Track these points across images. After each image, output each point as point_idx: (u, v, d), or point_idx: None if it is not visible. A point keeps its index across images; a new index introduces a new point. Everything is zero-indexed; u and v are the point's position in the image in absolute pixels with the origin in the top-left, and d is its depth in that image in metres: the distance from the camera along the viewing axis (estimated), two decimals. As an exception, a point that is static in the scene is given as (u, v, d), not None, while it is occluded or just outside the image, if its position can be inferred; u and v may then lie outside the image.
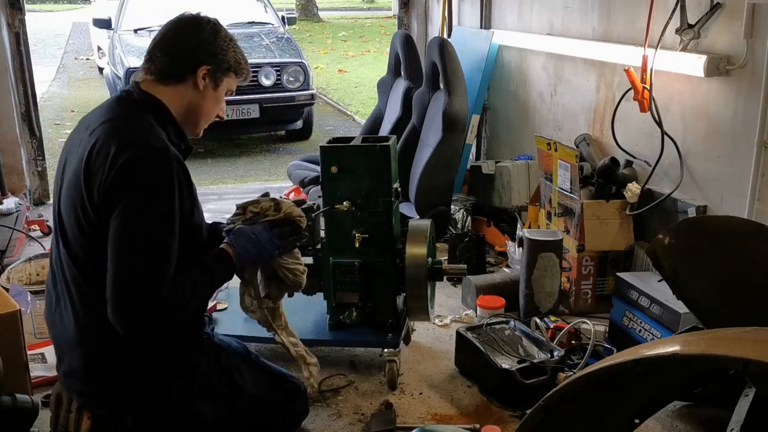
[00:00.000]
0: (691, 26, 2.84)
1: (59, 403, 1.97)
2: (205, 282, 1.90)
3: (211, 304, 2.82)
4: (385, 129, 4.59)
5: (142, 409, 1.92)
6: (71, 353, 1.90)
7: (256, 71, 6.90)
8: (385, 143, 2.64)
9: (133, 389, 1.90)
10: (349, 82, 11.69)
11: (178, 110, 1.95)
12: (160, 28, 1.99)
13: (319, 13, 21.72)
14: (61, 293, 1.90)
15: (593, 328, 2.71)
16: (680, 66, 2.91)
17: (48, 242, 4.01)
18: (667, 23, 2.90)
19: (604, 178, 3.22)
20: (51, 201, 5.03)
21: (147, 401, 1.92)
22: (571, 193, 3.20)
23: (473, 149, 4.78)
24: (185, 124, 1.98)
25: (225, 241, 2.00)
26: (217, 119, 2.07)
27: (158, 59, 1.92)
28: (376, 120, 4.80)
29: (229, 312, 2.90)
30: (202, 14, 1.99)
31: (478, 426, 2.33)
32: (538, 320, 2.88)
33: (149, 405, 1.93)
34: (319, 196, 2.74)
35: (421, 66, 4.46)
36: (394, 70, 4.70)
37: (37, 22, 17.79)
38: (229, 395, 2.05)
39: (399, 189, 2.73)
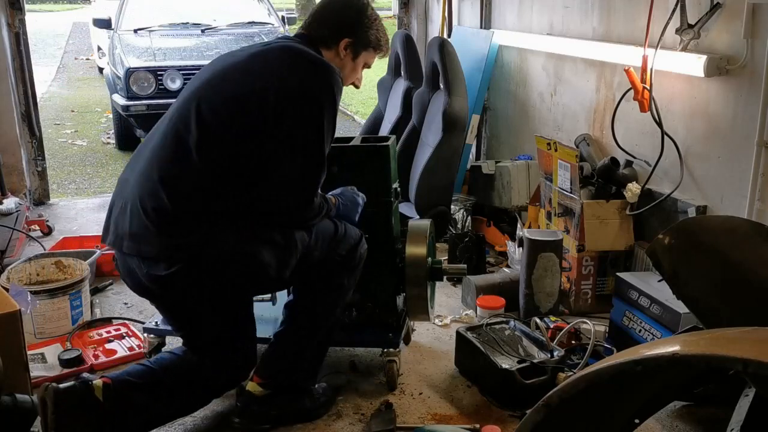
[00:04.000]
0: (691, 26, 2.84)
1: (45, 407, 1.98)
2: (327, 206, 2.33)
3: None
4: (385, 129, 4.59)
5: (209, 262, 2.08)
6: (146, 202, 2.05)
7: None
8: (385, 143, 2.64)
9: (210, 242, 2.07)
10: (349, 82, 11.67)
11: None
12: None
13: (319, 13, 21.68)
14: (159, 145, 2.13)
15: (593, 328, 2.71)
16: (680, 66, 2.91)
17: (48, 243, 4.02)
18: (667, 23, 2.90)
19: (604, 178, 3.22)
20: (52, 195, 5.04)
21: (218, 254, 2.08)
22: (571, 193, 3.20)
23: (473, 149, 4.78)
24: None
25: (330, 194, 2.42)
26: (352, 86, 2.45)
27: (314, 29, 2.33)
28: (376, 120, 4.80)
29: None
30: None
31: (478, 426, 2.33)
32: (538, 320, 2.88)
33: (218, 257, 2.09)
34: (319, 196, 2.74)
35: (421, 66, 4.45)
36: (394, 70, 4.70)
37: (37, 22, 17.78)
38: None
39: (399, 189, 2.72)
